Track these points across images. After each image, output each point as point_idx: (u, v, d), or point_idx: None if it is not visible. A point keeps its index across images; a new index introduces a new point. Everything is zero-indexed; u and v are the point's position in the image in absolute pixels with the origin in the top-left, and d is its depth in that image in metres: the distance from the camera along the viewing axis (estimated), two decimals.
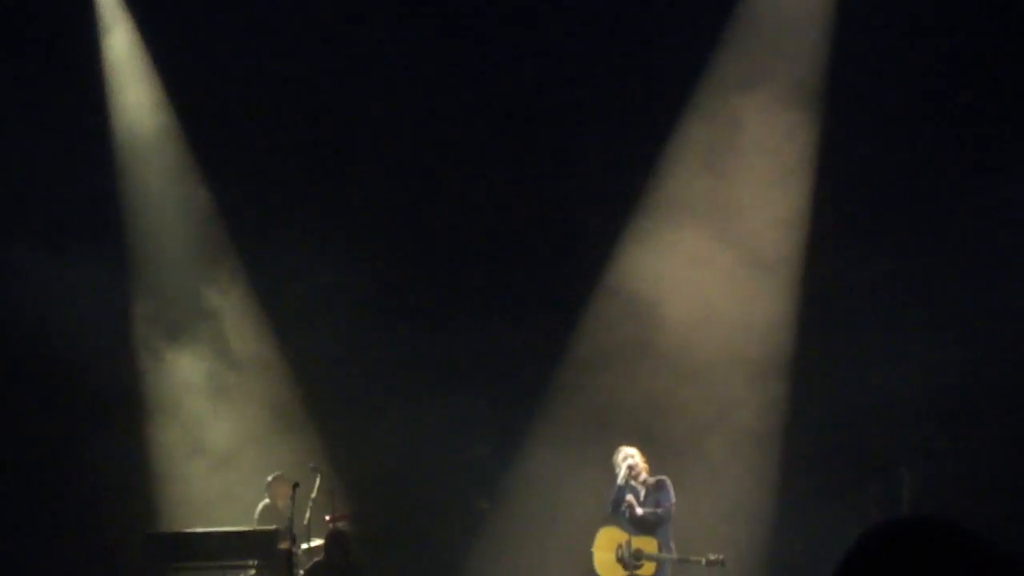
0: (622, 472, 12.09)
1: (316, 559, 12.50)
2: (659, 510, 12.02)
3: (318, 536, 12.79)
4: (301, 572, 12.27)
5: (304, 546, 12.59)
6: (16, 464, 13.38)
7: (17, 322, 13.39)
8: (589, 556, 12.13)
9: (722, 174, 13.66)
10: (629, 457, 12.19)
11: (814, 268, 13.53)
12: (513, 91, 14.17)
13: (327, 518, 12.75)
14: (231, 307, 14.37)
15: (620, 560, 11.99)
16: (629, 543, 11.96)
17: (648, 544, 11.98)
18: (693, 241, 13.69)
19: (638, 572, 11.96)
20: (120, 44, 14.27)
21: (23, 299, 13.37)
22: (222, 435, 14.05)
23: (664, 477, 12.19)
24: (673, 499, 12.08)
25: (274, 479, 13.29)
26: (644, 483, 12.15)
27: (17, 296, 13.37)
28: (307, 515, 12.72)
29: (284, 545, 12.10)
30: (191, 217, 14.32)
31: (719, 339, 13.69)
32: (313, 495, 12.80)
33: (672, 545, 12.06)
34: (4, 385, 13.61)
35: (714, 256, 13.63)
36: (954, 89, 13.14)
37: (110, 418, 13.64)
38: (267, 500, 13.30)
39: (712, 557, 11.83)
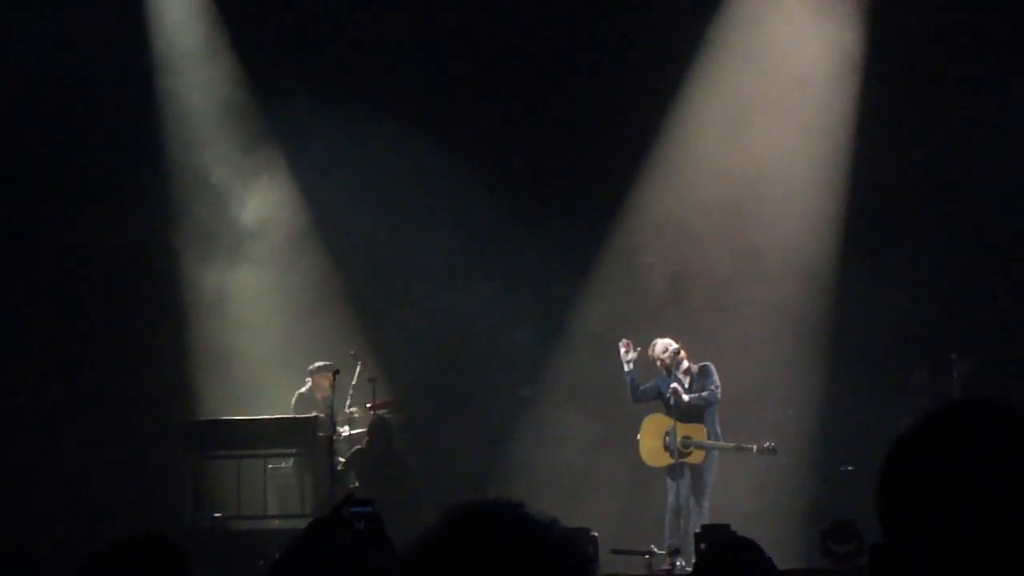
0: (625, 354, 11.75)
1: (357, 447, 12.33)
2: (705, 393, 11.78)
3: (358, 424, 12.60)
4: (342, 460, 12.09)
5: (344, 433, 12.38)
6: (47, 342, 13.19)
7: None
8: (635, 443, 11.91)
9: None
10: (671, 344, 11.91)
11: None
12: None
13: (368, 406, 12.53)
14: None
15: (667, 447, 11.78)
16: (675, 430, 11.73)
17: (696, 431, 11.76)
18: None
19: (686, 460, 11.75)
20: None
21: None
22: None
23: (707, 363, 11.94)
24: (718, 382, 11.84)
25: (318, 368, 12.76)
26: (687, 371, 11.89)
27: None
28: (347, 403, 12.51)
29: (324, 433, 11.88)
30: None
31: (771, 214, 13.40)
32: (353, 382, 12.56)
33: (719, 431, 11.85)
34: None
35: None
36: None
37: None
38: (303, 388, 12.84)
39: (765, 445, 11.63)
